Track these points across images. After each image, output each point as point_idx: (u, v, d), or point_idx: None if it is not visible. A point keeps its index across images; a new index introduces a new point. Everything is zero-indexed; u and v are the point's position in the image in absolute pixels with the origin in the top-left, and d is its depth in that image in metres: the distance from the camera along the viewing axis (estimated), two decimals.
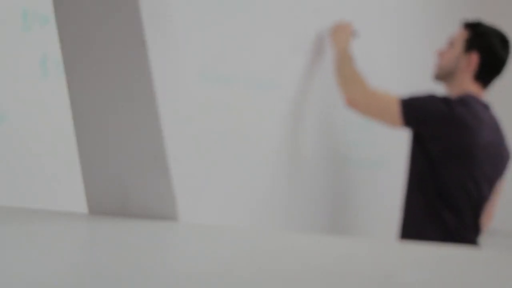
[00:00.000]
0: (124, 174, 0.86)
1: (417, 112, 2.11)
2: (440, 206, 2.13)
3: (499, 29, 2.26)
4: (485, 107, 2.19)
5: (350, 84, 2.18)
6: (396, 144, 2.58)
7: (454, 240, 2.13)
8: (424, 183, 2.15)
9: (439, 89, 2.41)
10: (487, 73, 2.22)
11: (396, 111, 2.12)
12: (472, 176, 2.11)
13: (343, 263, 0.62)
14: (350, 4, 2.42)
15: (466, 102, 2.12)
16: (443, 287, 0.52)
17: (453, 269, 0.60)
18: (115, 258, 0.62)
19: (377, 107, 2.15)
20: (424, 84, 2.56)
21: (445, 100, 2.10)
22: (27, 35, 1.31)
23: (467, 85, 2.22)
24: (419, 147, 2.16)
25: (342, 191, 2.42)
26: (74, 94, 0.89)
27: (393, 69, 2.74)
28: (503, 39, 2.23)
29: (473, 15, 2.89)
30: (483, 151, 2.11)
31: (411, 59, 2.82)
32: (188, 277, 0.54)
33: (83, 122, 0.89)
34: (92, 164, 0.89)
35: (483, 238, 2.62)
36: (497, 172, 2.21)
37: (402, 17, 2.82)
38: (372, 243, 0.75)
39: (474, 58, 2.20)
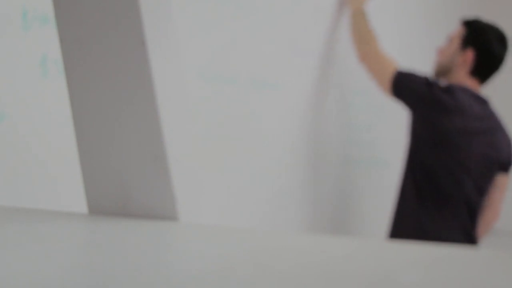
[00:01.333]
0: (124, 174, 0.86)
1: (403, 86, 2.19)
2: (427, 188, 2.16)
3: (497, 26, 2.28)
4: (479, 99, 2.21)
5: (363, 42, 2.27)
6: (396, 144, 2.58)
7: (447, 228, 2.13)
8: (413, 164, 2.20)
9: None
10: (483, 69, 2.25)
11: (388, 78, 2.20)
12: (453, 160, 2.13)
13: (342, 263, 0.62)
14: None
15: (451, 89, 2.16)
16: (441, 286, 0.52)
17: (451, 269, 0.60)
18: (115, 258, 0.62)
19: (377, 68, 2.24)
20: None
21: (430, 83, 2.17)
22: (27, 35, 1.31)
23: (463, 80, 2.26)
24: (411, 128, 2.23)
25: (342, 191, 2.42)
26: (74, 94, 0.89)
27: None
28: (500, 36, 2.24)
29: (474, 12, 2.89)
30: (463, 137, 2.13)
31: (412, 56, 2.82)
32: (188, 277, 0.54)
33: (83, 122, 0.89)
34: (92, 164, 0.89)
35: (485, 238, 2.62)
36: (493, 163, 2.20)
37: (403, 15, 2.82)
38: (371, 243, 0.76)
39: (469, 55, 2.24)
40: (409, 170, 2.21)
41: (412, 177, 2.19)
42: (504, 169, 2.25)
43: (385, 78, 2.22)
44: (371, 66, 2.26)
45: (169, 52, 0.87)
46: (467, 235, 2.17)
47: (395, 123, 2.61)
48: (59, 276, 0.53)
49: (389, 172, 2.62)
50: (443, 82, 2.27)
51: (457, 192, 2.14)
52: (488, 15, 2.80)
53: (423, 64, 2.72)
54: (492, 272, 0.59)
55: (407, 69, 2.22)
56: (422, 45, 2.90)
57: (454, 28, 2.44)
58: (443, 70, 2.30)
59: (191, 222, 0.85)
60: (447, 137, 2.13)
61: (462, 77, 2.25)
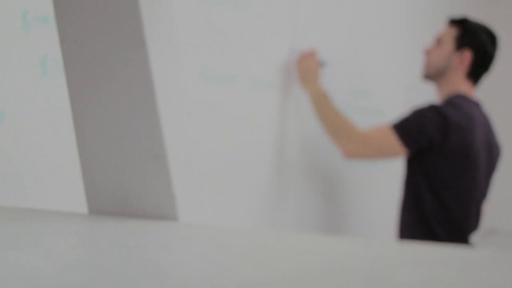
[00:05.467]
0: (124, 174, 0.86)
1: (415, 134, 2.05)
2: (438, 225, 2.11)
3: (487, 25, 2.24)
4: (476, 105, 2.17)
5: (341, 136, 2.08)
6: None
7: (453, 241, 2.12)
8: (421, 201, 2.11)
9: (430, 89, 2.41)
10: (478, 70, 2.19)
11: (395, 142, 2.05)
12: (472, 179, 2.10)
13: (342, 263, 0.62)
14: (349, 4, 2.42)
15: (456, 104, 2.09)
16: (442, 286, 0.52)
17: (451, 269, 0.60)
18: (115, 258, 0.62)
19: (377, 147, 2.08)
20: (418, 83, 2.56)
21: (435, 110, 2.06)
22: (27, 35, 1.31)
23: (459, 83, 2.19)
24: (417, 164, 2.11)
25: (342, 190, 2.42)
26: (74, 94, 0.89)
27: (391, 70, 2.74)
28: (491, 35, 2.21)
29: (468, 13, 2.89)
30: (478, 151, 2.10)
31: (410, 59, 2.82)
32: (188, 277, 0.54)
33: (83, 122, 0.89)
34: (92, 164, 0.89)
35: (482, 238, 2.62)
36: (491, 170, 2.20)
37: (399, 17, 2.82)
38: (371, 243, 0.76)
39: (467, 56, 2.17)
40: (414, 204, 2.13)
41: (419, 211, 2.13)
42: (494, 171, 2.24)
43: (392, 146, 2.05)
44: (367, 152, 2.08)
45: (169, 52, 0.87)
46: (468, 243, 2.17)
47: None
48: (59, 276, 0.53)
49: (387, 172, 2.62)
50: (437, 91, 2.23)
51: (467, 209, 2.12)
52: (480, 15, 2.79)
53: (414, 65, 2.72)
54: (491, 272, 0.59)
55: (397, 121, 2.09)
56: (414, 46, 2.90)
57: (440, 28, 2.40)
58: (436, 72, 2.21)
59: (191, 222, 0.85)
60: (465, 156, 2.06)
61: (458, 80, 2.19)
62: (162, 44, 0.85)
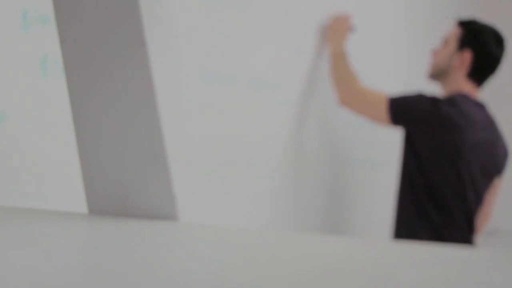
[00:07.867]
0: (124, 174, 0.86)
1: (404, 111, 2.12)
2: (430, 207, 2.12)
3: (494, 27, 2.24)
4: (478, 105, 2.17)
5: (342, 83, 2.19)
6: (395, 144, 2.58)
7: (445, 241, 2.12)
8: (414, 183, 2.14)
9: (434, 89, 2.41)
10: (480, 71, 2.20)
11: (383, 109, 2.13)
12: (460, 175, 2.10)
13: (342, 263, 0.62)
14: (349, 4, 2.42)
15: (454, 101, 2.10)
16: (442, 286, 0.52)
17: (451, 269, 0.60)
18: (115, 258, 0.62)
19: (366, 104, 2.17)
20: (422, 83, 2.56)
21: (432, 99, 2.10)
22: (27, 35, 1.31)
23: (460, 83, 2.20)
24: (409, 147, 2.16)
25: (341, 191, 2.42)
26: (74, 94, 0.89)
27: (391, 68, 2.74)
28: (497, 37, 2.20)
29: (473, 13, 2.89)
30: (472, 150, 2.10)
31: (410, 58, 2.82)
32: (188, 277, 0.54)
33: (83, 122, 0.89)
34: (92, 164, 0.89)
35: (482, 238, 2.62)
36: (491, 171, 2.19)
37: (400, 16, 2.82)
38: (371, 243, 0.76)
39: (467, 56, 2.18)
40: (408, 186, 2.15)
41: (411, 192, 2.14)
42: (499, 173, 2.24)
43: (379, 111, 2.14)
44: (357, 105, 2.19)
45: (169, 52, 0.87)
46: (467, 242, 2.17)
47: None
48: (59, 276, 0.53)
49: (388, 172, 2.62)
50: (441, 91, 2.25)
51: (460, 205, 2.13)
52: (484, 16, 2.79)
53: (420, 65, 2.72)
54: (492, 272, 0.59)
55: (398, 93, 2.16)
56: (420, 45, 2.90)
57: (448, 29, 2.42)
58: (439, 73, 2.23)
59: (191, 222, 0.85)
60: (457, 153, 2.08)
61: (459, 80, 2.19)
62: (162, 44, 0.85)
